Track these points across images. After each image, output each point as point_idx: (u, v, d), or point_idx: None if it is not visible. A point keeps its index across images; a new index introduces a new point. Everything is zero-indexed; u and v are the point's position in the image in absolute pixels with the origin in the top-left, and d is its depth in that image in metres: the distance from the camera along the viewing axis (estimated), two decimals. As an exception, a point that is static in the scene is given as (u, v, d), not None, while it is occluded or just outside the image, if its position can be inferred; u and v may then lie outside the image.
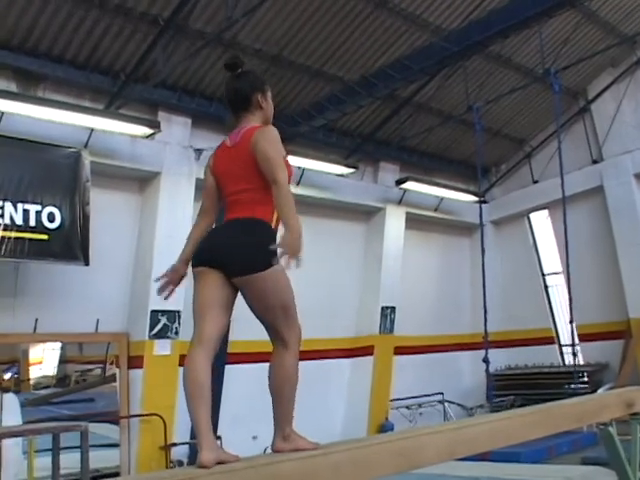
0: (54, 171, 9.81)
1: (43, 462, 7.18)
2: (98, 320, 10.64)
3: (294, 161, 12.31)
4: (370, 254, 14.80)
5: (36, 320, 9.97)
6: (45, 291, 10.14)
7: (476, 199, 15.64)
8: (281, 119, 11.95)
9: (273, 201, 3.22)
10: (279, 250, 3.02)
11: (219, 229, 3.39)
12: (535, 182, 16.42)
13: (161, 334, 10.92)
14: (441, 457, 3.31)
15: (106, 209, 10.60)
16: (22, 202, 9.39)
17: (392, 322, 14.62)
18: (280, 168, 3.24)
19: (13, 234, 9.22)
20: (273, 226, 3.28)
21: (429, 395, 14.86)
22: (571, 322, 11.54)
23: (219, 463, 2.75)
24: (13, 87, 9.91)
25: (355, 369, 14.35)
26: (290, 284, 3.26)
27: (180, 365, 9.50)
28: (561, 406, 4.53)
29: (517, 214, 16.73)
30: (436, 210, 15.84)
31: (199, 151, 11.20)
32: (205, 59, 10.87)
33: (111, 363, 11.11)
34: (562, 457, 9.98)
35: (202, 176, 3.76)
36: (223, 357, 10.92)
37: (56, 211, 9.71)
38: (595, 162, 15.28)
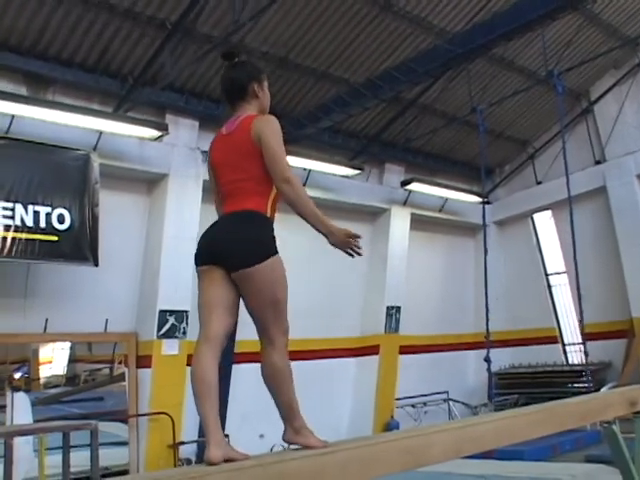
0: (64, 173, 9.82)
1: (54, 460, 7.19)
2: (107, 320, 10.65)
3: (300, 162, 12.35)
4: (375, 254, 14.79)
5: (46, 320, 9.99)
6: (55, 291, 10.16)
7: (480, 200, 15.63)
8: (287, 121, 11.99)
9: (269, 190, 3.24)
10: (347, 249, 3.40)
11: (217, 225, 3.31)
12: (538, 183, 16.42)
13: (169, 334, 10.93)
14: (447, 455, 3.30)
15: (115, 210, 10.62)
16: (33, 204, 9.41)
17: (397, 322, 14.62)
18: (287, 164, 3.23)
19: (24, 235, 9.25)
20: (269, 215, 3.25)
21: (434, 394, 14.86)
22: (580, 321, 11.47)
23: (227, 461, 2.75)
24: (23, 90, 9.94)
25: (361, 368, 14.34)
26: (285, 276, 3.21)
27: (188, 365, 9.50)
28: (565, 405, 4.51)
29: (521, 215, 16.72)
30: (441, 211, 15.83)
31: (206, 153, 11.20)
32: (212, 62, 10.88)
33: (120, 362, 11.12)
34: (566, 455, 9.95)
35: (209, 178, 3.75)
36: (231, 356, 10.94)
37: (66, 213, 9.73)
38: (598, 163, 15.27)
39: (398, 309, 14.62)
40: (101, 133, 10.21)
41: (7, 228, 9.12)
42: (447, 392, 15.08)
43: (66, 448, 6.51)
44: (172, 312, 10.87)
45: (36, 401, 9.85)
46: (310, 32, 11.35)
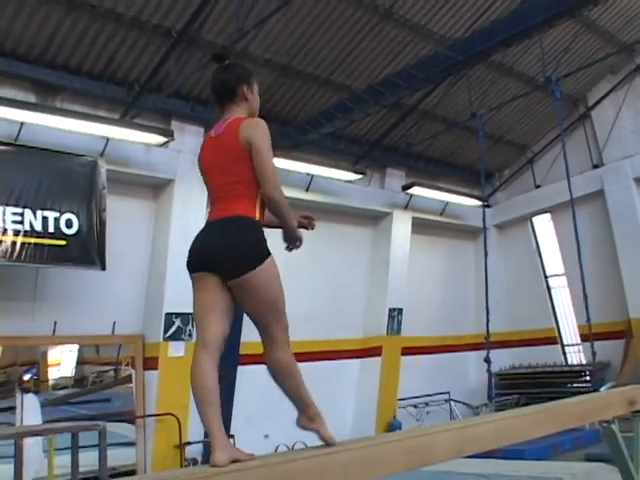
0: (72, 179, 9.83)
1: (63, 460, 7.19)
2: (114, 323, 10.66)
3: (304, 167, 12.35)
4: (377, 258, 14.80)
5: (55, 323, 9.99)
6: (63, 295, 10.16)
7: (480, 203, 15.62)
8: (291, 127, 12.01)
9: (256, 193, 3.20)
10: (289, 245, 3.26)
11: (208, 231, 3.25)
12: (537, 187, 16.43)
13: (175, 336, 10.93)
14: (450, 455, 3.30)
15: (122, 215, 10.62)
16: (41, 209, 9.41)
17: (399, 323, 14.61)
18: (276, 171, 3.21)
19: (33, 240, 9.25)
20: (258, 218, 3.20)
21: (435, 394, 14.85)
22: (588, 320, 11.44)
23: (233, 462, 2.74)
24: (32, 98, 9.96)
25: (364, 369, 14.33)
26: (279, 277, 3.18)
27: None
28: (565, 405, 4.51)
29: (520, 218, 16.71)
30: (441, 214, 15.83)
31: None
32: (217, 70, 10.87)
33: (127, 364, 11.13)
34: (566, 454, 9.94)
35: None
36: (235, 358, 10.94)
37: (74, 218, 9.73)
38: (596, 167, 15.28)
39: (400, 311, 14.61)
40: (108, 139, 10.22)
41: (16, 233, 9.13)
42: (448, 392, 15.08)
43: (75, 448, 6.52)
44: (178, 315, 10.87)
45: (45, 402, 9.86)
46: (312, 40, 11.36)
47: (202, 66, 10.14)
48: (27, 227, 9.24)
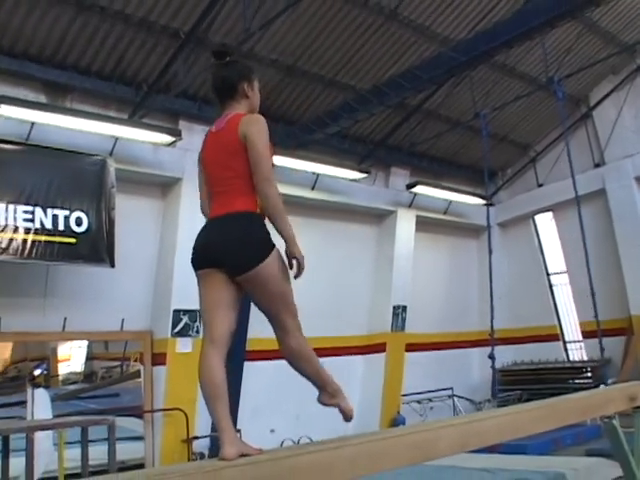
0: (81, 178, 9.86)
1: (72, 454, 7.21)
2: (123, 319, 10.68)
3: (309, 166, 12.36)
4: (382, 255, 14.79)
5: (65, 319, 10.03)
6: (73, 292, 10.19)
7: (483, 202, 15.61)
8: (297, 126, 12.02)
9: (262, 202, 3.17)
10: (292, 263, 3.12)
11: (210, 228, 3.25)
12: (540, 185, 16.40)
13: (183, 332, 10.96)
14: (453, 449, 3.31)
15: (130, 214, 10.63)
16: (51, 207, 9.44)
17: (403, 320, 14.61)
18: (271, 166, 3.18)
19: (43, 238, 9.28)
20: (259, 212, 3.19)
21: (439, 390, 14.86)
22: (596, 316, 11.41)
23: (242, 456, 2.75)
24: (42, 98, 9.98)
25: (368, 365, 14.33)
26: (286, 267, 3.18)
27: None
28: (567, 400, 4.52)
29: (522, 216, 16.68)
30: (445, 213, 15.81)
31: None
32: (224, 70, 10.88)
33: (135, 360, 11.16)
34: (567, 449, 9.93)
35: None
36: (242, 354, 10.96)
37: (83, 216, 9.76)
38: (597, 166, 15.25)
39: (404, 308, 14.61)
40: (117, 139, 10.24)
41: (27, 231, 9.16)
42: (452, 388, 15.07)
43: (85, 442, 6.56)
44: (185, 311, 10.89)
45: (55, 397, 9.90)
46: (318, 40, 11.36)
47: (209, 66, 10.11)
48: (38, 225, 9.27)
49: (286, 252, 3.13)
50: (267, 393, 11.66)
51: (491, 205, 15.65)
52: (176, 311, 10.87)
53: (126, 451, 9.21)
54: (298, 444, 7.78)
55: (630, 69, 14.87)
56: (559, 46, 13.11)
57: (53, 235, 9.39)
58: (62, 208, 9.56)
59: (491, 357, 12.86)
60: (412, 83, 10.81)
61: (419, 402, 14.39)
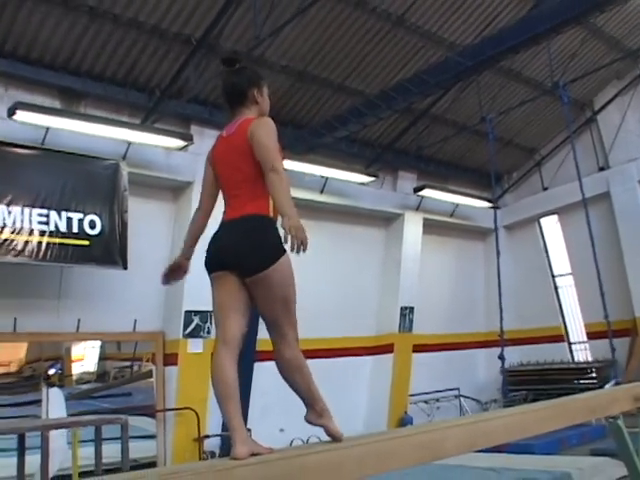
0: (95, 181, 9.89)
1: (86, 452, 7.22)
2: (136, 320, 10.71)
3: (318, 170, 12.36)
4: (390, 258, 14.78)
5: (78, 320, 10.06)
6: (87, 293, 10.22)
7: (489, 205, 15.60)
8: (306, 130, 12.02)
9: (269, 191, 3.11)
10: (287, 237, 2.89)
11: (225, 231, 3.21)
12: (545, 189, 16.37)
13: (194, 333, 10.97)
14: (461, 449, 3.30)
15: (143, 216, 10.65)
16: (66, 210, 9.47)
17: (411, 321, 14.59)
18: (277, 156, 3.13)
19: (57, 240, 9.31)
20: (272, 215, 3.16)
21: (446, 390, 14.84)
22: (606, 317, 11.37)
23: (253, 455, 2.75)
24: (57, 104, 10.03)
25: (376, 366, 14.32)
26: (293, 276, 3.15)
27: (212, 362, 9.54)
28: (572, 401, 4.51)
29: (528, 219, 16.63)
30: (452, 216, 15.78)
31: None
32: (234, 76, 10.90)
33: (147, 360, 11.18)
34: (572, 449, 9.88)
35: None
36: (252, 355, 10.95)
37: (97, 219, 9.78)
38: (602, 169, 15.20)
39: (412, 309, 14.59)
40: (130, 143, 10.27)
41: (42, 233, 9.20)
42: (458, 389, 15.04)
43: (98, 441, 6.57)
44: (197, 312, 10.91)
45: (69, 396, 9.91)
46: (327, 46, 11.37)
47: (220, 72, 10.16)
48: (52, 228, 9.30)
49: (282, 226, 2.93)
50: (277, 393, 11.54)
51: (497, 208, 15.63)
52: (187, 312, 10.89)
53: (138, 449, 9.24)
54: (307, 443, 7.76)
55: (634, 74, 14.84)
56: (564, 51, 13.10)
57: (67, 238, 9.42)
58: (76, 211, 9.59)
59: (501, 358, 12.86)
60: (419, 88, 10.80)
61: (426, 402, 14.36)
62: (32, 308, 9.60)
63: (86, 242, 9.62)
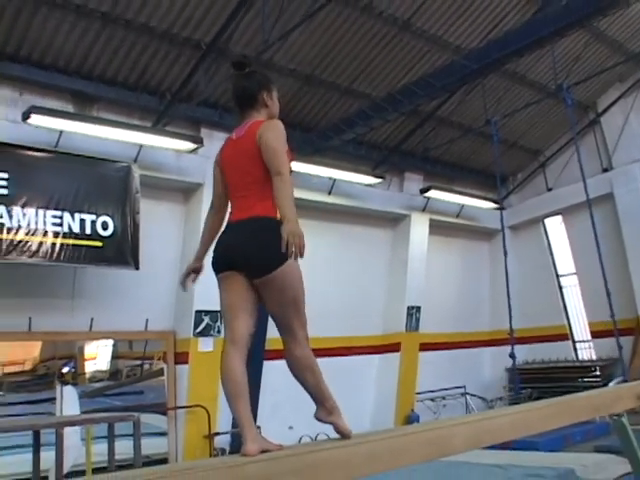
0: (107, 184, 9.91)
1: (99, 448, 7.25)
2: (147, 319, 10.74)
3: (326, 172, 12.37)
4: (396, 258, 14.78)
5: (91, 319, 10.09)
6: (100, 293, 10.25)
7: (495, 206, 15.59)
8: (314, 133, 12.03)
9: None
10: (284, 242, 2.86)
11: (233, 231, 3.21)
12: (549, 190, 16.35)
13: (204, 332, 10.99)
14: (468, 446, 3.30)
15: (154, 218, 10.68)
16: (79, 212, 9.50)
17: (417, 321, 14.58)
18: (283, 160, 3.10)
19: (71, 241, 9.34)
20: (279, 218, 3.06)
21: (452, 388, 14.84)
22: (612, 316, 11.34)
23: (264, 452, 2.75)
24: (70, 108, 10.06)
25: (383, 364, 14.31)
26: (302, 276, 3.14)
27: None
28: (577, 399, 4.50)
29: (533, 220, 16.62)
30: (457, 216, 15.77)
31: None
32: (244, 80, 10.91)
33: (159, 359, 11.20)
34: (576, 446, 9.86)
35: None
36: (261, 354, 10.96)
37: (109, 220, 9.81)
38: (605, 170, 15.18)
39: (418, 309, 14.59)
40: (141, 146, 10.30)
41: (56, 235, 9.23)
42: (464, 387, 15.05)
43: (111, 437, 6.60)
44: (207, 312, 10.93)
45: (82, 394, 9.93)
46: (334, 50, 11.38)
47: (230, 76, 10.18)
48: (66, 229, 9.33)
49: (282, 230, 2.88)
50: (286, 391, 11.58)
51: (502, 209, 15.62)
52: (198, 312, 10.91)
53: (150, 446, 9.26)
54: (316, 440, 7.77)
55: (637, 77, 14.81)
56: (568, 54, 13.07)
57: (80, 239, 9.45)
58: (89, 213, 9.62)
59: (512, 356, 12.84)
60: (425, 91, 10.79)
61: (433, 400, 14.36)
62: (46, 308, 9.64)
63: (99, 243, 9.65)
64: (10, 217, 8.87)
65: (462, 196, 15.34)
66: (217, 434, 10.83)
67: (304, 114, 12.44)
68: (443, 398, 14.55)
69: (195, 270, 3.56)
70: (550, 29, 9.51)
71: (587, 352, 15.86)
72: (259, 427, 9.72)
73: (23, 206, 9.01)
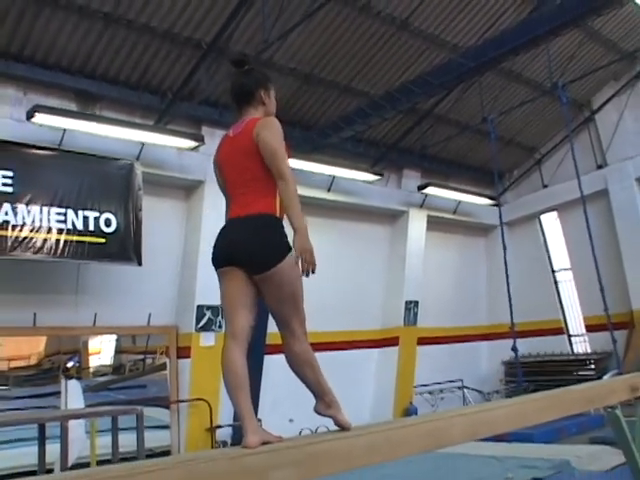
0: (110, 181, 9.91)
1: (104, 441, 7.27)
2: (150, 314, 10.74)
3: (325, 169, 12.37)
4: (395, 253, 14.79)
5: (95, 315, 10.10)
6: (103, 289, 10.26)
7: (490, 202, 15.61)
8: (313, 131, 12.03)
9: (275, 190, 3.10)
10: (297, 257, 2.94)
11: (233, 228, 3.18)
12: (545, 186, 16.35)
13: (206, 327, 11.00)
14: (464, 437, 3.30)
15: (156, 215, 10.68)
16: (82, 209, 9.50)
17: (415, 315, 14.59)
18: (283, 159, 3.11)
19: (74, 238, 9.34)
20: (279, 214, 3.13)
21: (449, 381, 14.86)
22: (606, 310, 11.35)
23: (264, 443, 2.75)
24: (73, 107, 10.05)
25: (382, 358, 14.32)
26: (300, 273, 3.10)
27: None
28: (571, 391, 4.50)
29: (528, 216, 16.61)
30: (455, 213, 15.78)
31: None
32: (244, 78, 10.91)
33: (161, 353, 11.21)
34: (571, 438, 9.86)
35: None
36: (262, 348, 10.97)
37: (112, 217, 9.81)
38: (600, 167, 15.18)
39: (416, 303, 14.60)
40: (143, 144, 10.30)
41: (60, 231, 9.23)
42: (461, 380, 15.06)
43: (115, 430, 6.61)
44: (209, 307, 10.93)
45: (86, 388, 9.95)
46: (333, 50, 11.37)
47: (230, 75, 10.18)
48: (69, 226, 9.33)
49: (294, 244, 2.99)
50: (286, 385, 11.55)
51: (499, 205, 15.62)
52: (200, 307, 10.92)
53: (153, 439, 9.25)
54: (316, 433, 7.78)
55: (631, 75, 14.84)
56: (563, 53, 13.08)
57: (84, 235, 9.45)
58: (92, 210, 9.62)
59: (514, 349, 12.86)
60: (423, 89, 10.79)
61: (430, 393, 14.39)
62: (51, 303, 9.65)
63: (102, 239, 9.65)
64: (15, 214, 8.87)
65: (459, 193, 15.33)
66: (219, 427, 10.84)
67: (303, 112, 12.44)
68: (441, 391, 14.58)
69: None
70: (545, 28, 9.52)
71: (582, 346, 15.89)
72: (260, 420, 9.76)
73: (28, 203, 9.01)
